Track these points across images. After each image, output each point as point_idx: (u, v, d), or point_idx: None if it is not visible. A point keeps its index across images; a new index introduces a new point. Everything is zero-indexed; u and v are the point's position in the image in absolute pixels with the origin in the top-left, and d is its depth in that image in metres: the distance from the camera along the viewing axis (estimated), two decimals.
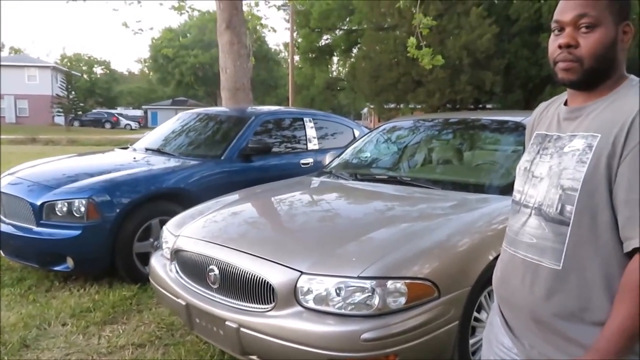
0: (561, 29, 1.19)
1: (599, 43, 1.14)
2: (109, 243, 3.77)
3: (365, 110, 41.80)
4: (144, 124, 47.49)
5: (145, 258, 3.77)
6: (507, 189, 2.85)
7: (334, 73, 35.22)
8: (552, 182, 1.17)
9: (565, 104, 1.27)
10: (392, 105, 20.89)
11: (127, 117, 47.43)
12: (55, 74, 44.06)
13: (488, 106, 19.89)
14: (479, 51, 17.02)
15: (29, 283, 3.95)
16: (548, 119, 1.31)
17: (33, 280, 4.00)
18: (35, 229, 3.77)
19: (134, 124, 44.60)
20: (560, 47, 1.18)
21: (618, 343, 1.05)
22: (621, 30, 1.16)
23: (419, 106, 19.37)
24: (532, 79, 18.16)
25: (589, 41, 1.15)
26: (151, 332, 3.14)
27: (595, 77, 1.17)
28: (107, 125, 42.55)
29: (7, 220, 3.99)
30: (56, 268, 3.82)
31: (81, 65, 57.32)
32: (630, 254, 1.06)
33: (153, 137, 5.46)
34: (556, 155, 1.19)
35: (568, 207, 1.12)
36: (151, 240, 3.94)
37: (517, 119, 3.42)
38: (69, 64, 53.74)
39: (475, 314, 2.38)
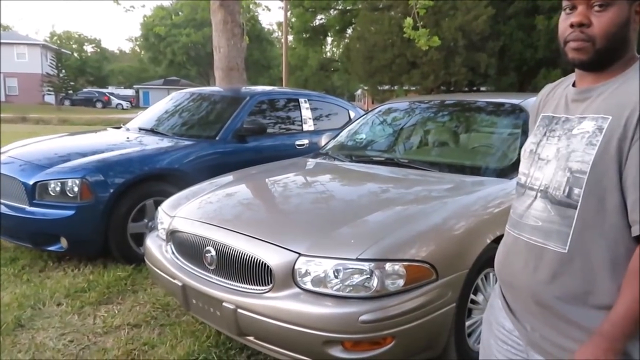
0: (573, 8, 1.16)
1: (612, 22, 1.12)
2: (102, 223, 3.74)
3: (359, 91, 41.65)
4: (136, 104, 47.05)
5: (139, 239, 3.75)
6: (503, 172, 2.85)
7: (328, 54, 34.92)
8: (559, 164, 1.15)
9: (574, 85, 1.25)
10: (386, 87, 20.79)
11: (118, 96, 46.94)
12: (44, 52, 43.40)
13: (482, 89, 19.85)
14: (474, 33, 16.91)
15: (23, 263, 3.92)
16: (555, 100, 1.29)
17: (27, 260, 3.98)
18: (28, 208, 3.73)
19: (125, 104, 44.19)
20: (572, 26, 1.15)
21: (624, 327, 1.05)
22: (634, 10, 1.14)
23: (414, 88, 19.29)
24: (526, 62, 18.11)
25: (602, 20, 1.12)
26: (147, 312, 3.14)
27: (606, 58, 1.15)
28: (99, 105, 42.14)
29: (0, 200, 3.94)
30: (50, 248, 3.80)
31: (71, 43, 56.44)
32: (638, 238, 1.06)
33: (146, 116, 5.40)
34: (564, 138, 1.17)
35: (576, 190, 1.11)
36: (145, 220, 3.92)
37: (515, 101, 3.40)
38: (58, 41, 52.91)
39: (472, 296, 2.39)
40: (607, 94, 1.14)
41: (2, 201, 3.91)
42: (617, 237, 1.08)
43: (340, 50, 27.73)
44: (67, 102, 40.01)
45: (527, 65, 18.26)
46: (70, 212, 3.65)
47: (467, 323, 2.40)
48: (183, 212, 2.74)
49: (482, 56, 17.28)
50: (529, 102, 3.17)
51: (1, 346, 2.70)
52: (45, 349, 2.69)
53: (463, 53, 17.29)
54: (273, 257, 2.16)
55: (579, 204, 1.11)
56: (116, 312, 3.15)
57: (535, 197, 1.20)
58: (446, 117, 3.92)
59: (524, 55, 17.77)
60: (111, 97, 44.94)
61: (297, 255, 2.13)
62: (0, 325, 2.89)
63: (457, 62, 17.44)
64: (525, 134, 2.63)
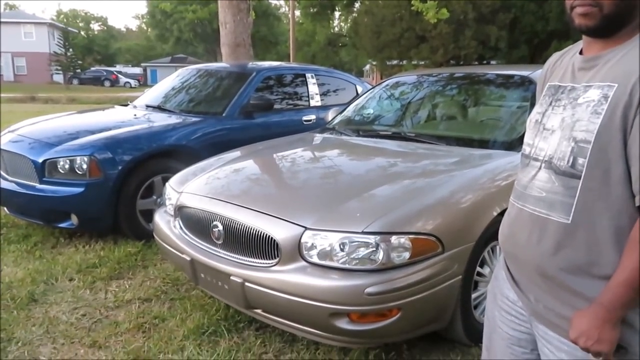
0: None
1: None
2: (112, 200, 3.77)
3: (367, 67, 41.25)
4: (144, 82, 47.00)
5: (148, 215, 3.78)
6: (511, 145, 2.83)
7: (336, 29, 34.54)
8: (564, 134, 1.13)
9: (581, 53, 1.22)
10: (395, 62, 20.58)
11: (126, 75, 46.90)
12: (51, 30, 43.30)
13: (492, 62, 19.58)
14: (484, 5, 16.62)
15: (35, 240, 3.98)
16: (562, 69, 1.26)
17: (39, 237, 4.04)
18: (38, 186, 3.77)
19: (133, 82, 44.14)
20: None
21: (624, 295, 1.04)
22: None
23: (422, 62, 19.07)
24: (538, 35, 17.80)
25: None
26: (157, 287, 3.19)
27: (614, 23, 1.11)
28: (107, 84, 42.11)
29: (10, 178, 3.98)
30: (61, 225, 3.85)
31: (77, 21, 56.21)
32: None
33: (153, 94, 5.39)
34: (569, 107, 1.15)
35: (580, 160, 1.09)
36: (154, 197, 3.95)
37: (524, 73, 3.35)
38: (65, 20, 52.68)
39: (478, 268, 2.40)
40: (614, 62, 1.11)
41: (13, 179, 3.95)
42: (621, 207, 1.07)
43: (348, 25, 27.41)
44: (75, 81, 40.02)
45: (538, 37, 17.96)
46: (79, 190, 3.69)
47: (473, 295, 2.41)
48: (190, 188, 2.76)
49: (493, 29, 17.02)
50: (538, 73, 3.12)
51: (13, 321, 2.76)
52: (58, 323, 2.75)
53: (473, 26, 17.03)
54: (279, 231, 2.18)
55: (583, 174, 1.09)
56: (127, 286, 3.20)
57: (540, 168, 1.19)
58: (454, 90, 3.88)
59: (535, 27, 17.46)
60: (119, 75, 44.88)
61: (304, 229, 2.14)
62: (15, 300, 2.95)
63: (466, 35, 17.20)
64: (534, 106, 2.60)
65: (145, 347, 2.50)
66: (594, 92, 1.10)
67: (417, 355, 2.46)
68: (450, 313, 2.27)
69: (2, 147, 4.07)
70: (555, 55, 1.36)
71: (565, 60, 1.28)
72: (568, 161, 1.11)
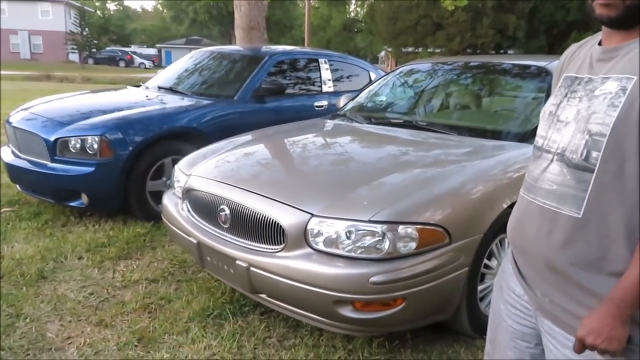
0: None
1: None
2: (122, 181, 3.79)
3: (383, 53, 40.89)
4: (158, 63, 47.07)
5: (158, 197, 3.79)
6: (525, 137, 2.78)
7: (352, 14, 34.21)
8: (578, 126, 1.10)
9: (600, 44, 1.18)
10: (410, 49, 20.38)
11: (141, 55, 47.00)
12: (68, 9, 43.38)
13: (510, 52, 19.30)
14: None
15: (46, 217, 4.02)
16: (579, 60, 1.23)
17: (49, 215, 4.07)
18: (50, 164, 3.79)
19: (148, 63, 44.26)
20: None
21: (635, 294, 1.02)
22: None
23: (438, 50, 18.85)
24: (557, 24, 17.48)
25: None
26: (164, 268, 3.21)
27: (636, 15, 1.07)
28: (122, 64, 42.29)
29: (23, 155, 4.02)
30: (71, 204, 3.88)
31: (94, 0, 56.18)
32: None
33: (166, 75, 5.38)
34: (586, 99, 1.12)
35: (594, 154, 1.06)
36: (164, 179, 3.96)
37: (541, 63, 3.29)
38: None
39: (485, 261, 2.37)
40: (634, 54, 1.07)
41: (25, 157, 3.99)
42: (634, 202, 1.04)
43: (364, 10, 27.11)
44: (90, 61, 40.26)
45: (557, 27, 17.64)
46: (90, 169, 3.70)
47: (480, 287, 2.39)
48: (199, 171, 2.76)
49: (511, 18, 16.75)
50: (555, 64, 3.06)
51: (22, 298, 2.79)
52: (66, 300, 2.78)
53: (491, 14, 16.78)
54: (286, 217, 2.17)
55: (597, 168, 1.06)
56: (135, 267, 3.23)
57: (552, 161, 1.16)
58: (469, 79, 3.82)
59: (555, 17, 17.15)
60: (134, 56, 45.00)
61: (310, 215, 2.13)
62: (24, 277, 2.99)
63: (484, 23, 16.95)
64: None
65: (151, 328, 2.53)
66: (612, 84, 1.07)
67: (421, 345, 2.46)
68: (455, 304, 2.25)
69: (15, 125, 4.10)
70: (573, 46, 1.32)
71: (583, 52, 1.24)
72: (581, 154, 1.09)
